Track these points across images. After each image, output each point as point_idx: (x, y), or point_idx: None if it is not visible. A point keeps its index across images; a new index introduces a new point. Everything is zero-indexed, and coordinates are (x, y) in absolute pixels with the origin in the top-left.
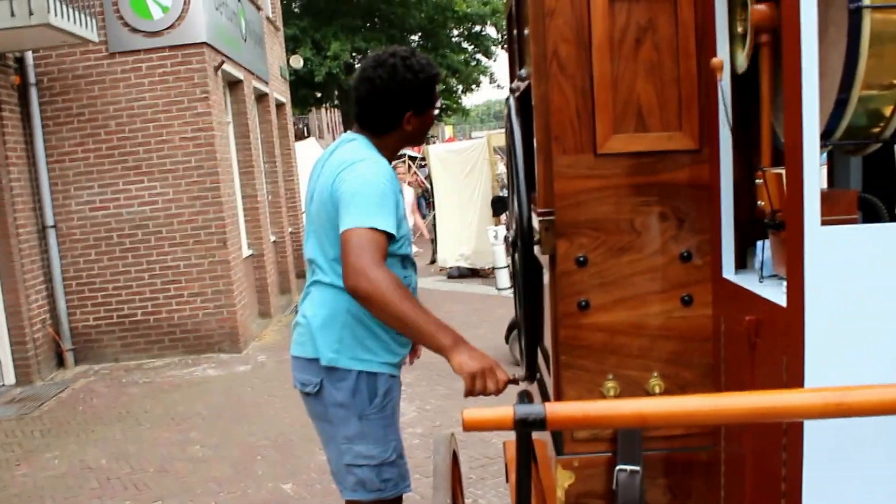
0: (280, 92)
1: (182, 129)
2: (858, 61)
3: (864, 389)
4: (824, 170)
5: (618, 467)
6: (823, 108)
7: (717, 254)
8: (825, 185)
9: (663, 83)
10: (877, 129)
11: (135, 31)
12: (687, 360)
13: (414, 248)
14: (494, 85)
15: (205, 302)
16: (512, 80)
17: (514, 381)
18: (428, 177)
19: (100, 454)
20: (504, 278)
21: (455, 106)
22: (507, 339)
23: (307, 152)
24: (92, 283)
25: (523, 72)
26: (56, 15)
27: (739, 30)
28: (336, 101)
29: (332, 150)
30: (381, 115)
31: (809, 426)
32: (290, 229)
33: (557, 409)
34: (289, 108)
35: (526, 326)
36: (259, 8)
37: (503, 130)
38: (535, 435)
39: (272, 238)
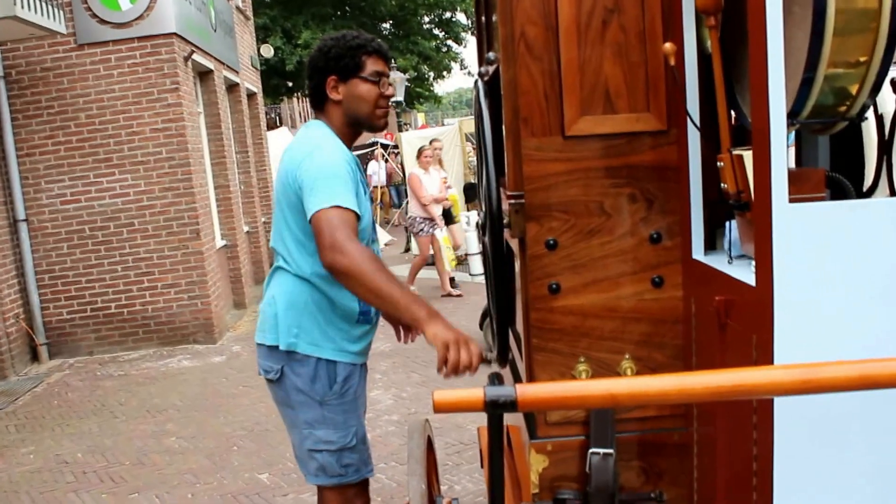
0: (251, 82)
1: (152, 120)
2: (824, 40)
3: (832, 366)
4: (793, 150)
5: (591, 450)
6: (789, 87)
7: (687, 235)
8: (793, 165)
9: (631, 65)
10: (843, 108)
11: (103, 22)
12: (658, 341)
13: (388, 237)
14: (465, 72)
15: (179, 293)
16: (481, 66)
17: (487, 361)
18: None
19: (75, 448)
20: (477, 264)
21: (427, 93)
22: (481, 325)
23: (280, 142)
24: (65, 277)
25: (491, 55)
26: (23, 7)
27: None
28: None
29: (295, 138)
30: (311, 86)
31: (779, 405)
32: (263, 219)
33: (528, 391)
34: (260, 98)
35: (497, 310)
36: None
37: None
38: (510, 421)
39: (246, 228)
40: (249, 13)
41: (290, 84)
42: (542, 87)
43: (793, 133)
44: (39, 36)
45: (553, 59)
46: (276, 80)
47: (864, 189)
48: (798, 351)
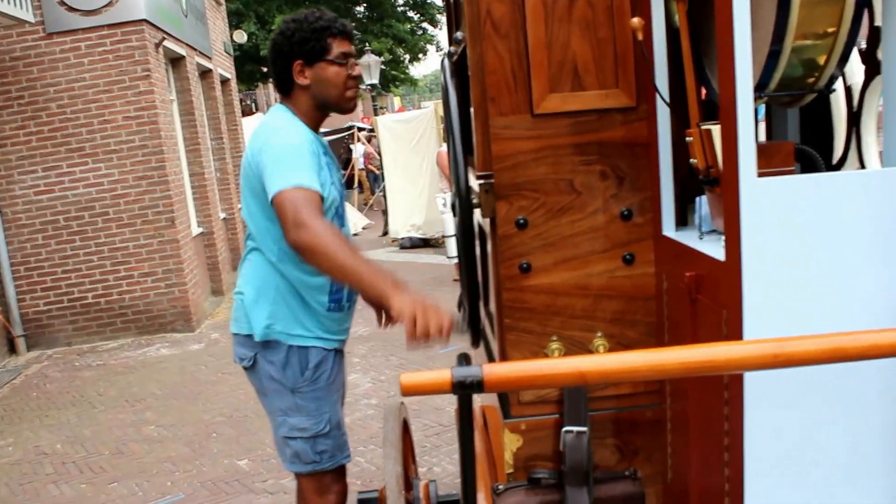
0: (224, 68)
1: (125, 108)
2: (790, 11)
3: (801, 340)
4: (764, 124)
5: (564, 429)
6: (757, 60)
7: (658, 211)
8: (765, 139)
9: (599, 41)
10: (811, 79)
11: (72, 9)
12: (630, 318)
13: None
14: (441, 54)
15: (156, 282)
16: (450, 45)
17: (461, 331)
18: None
19: (55, 439)
20: (454, 247)
21: (403, 76)
22: (459, 306)
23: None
24: (40, 268)
25: (459, 35)
26: None
27: None
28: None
29: (258, 125)
30: (276, 72)
31: (749, 380)
32: (239, 206)
33: (495, 370)
34: (234, 84)
35: (469, 290)
36: None
37: None
38: (486, 401)
39: (222, 215)
40: None
41: (265, 70)
42: (510, 65)
43: (764, 107)
44: (7, 25)
45: (520, 37)
46: (250, 66)
47: (834, 162)
48: (767, 325)
